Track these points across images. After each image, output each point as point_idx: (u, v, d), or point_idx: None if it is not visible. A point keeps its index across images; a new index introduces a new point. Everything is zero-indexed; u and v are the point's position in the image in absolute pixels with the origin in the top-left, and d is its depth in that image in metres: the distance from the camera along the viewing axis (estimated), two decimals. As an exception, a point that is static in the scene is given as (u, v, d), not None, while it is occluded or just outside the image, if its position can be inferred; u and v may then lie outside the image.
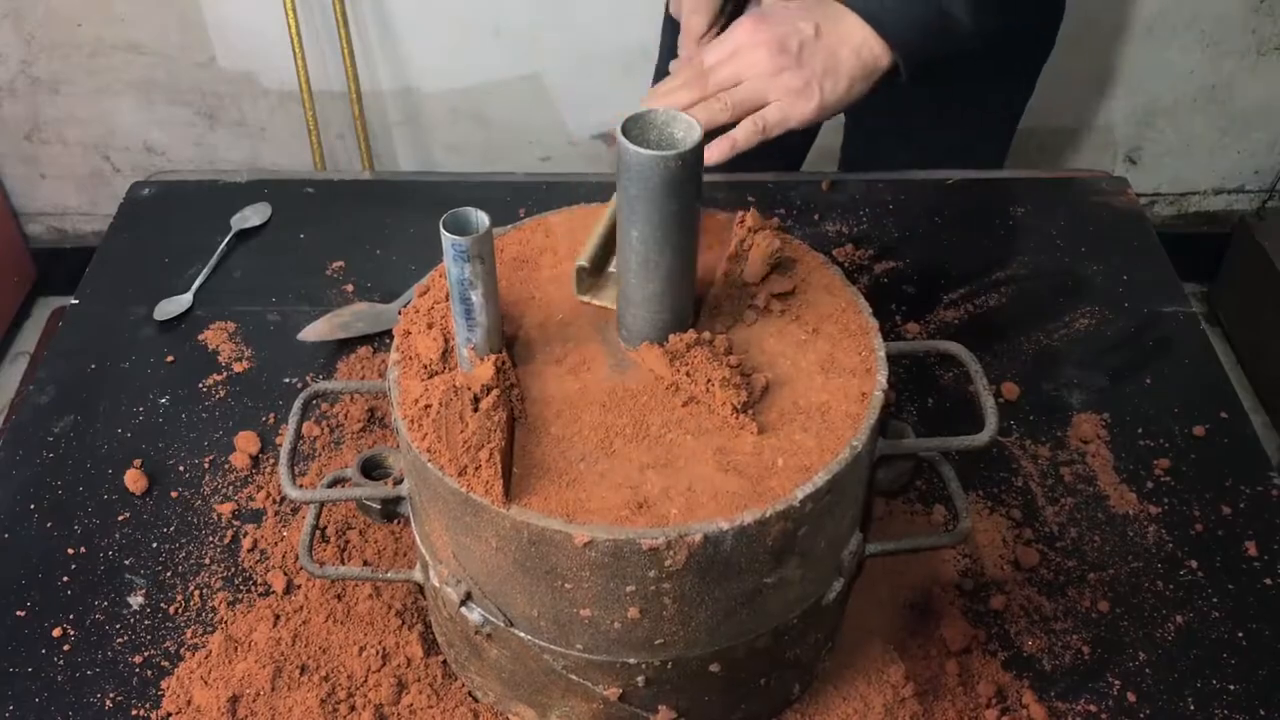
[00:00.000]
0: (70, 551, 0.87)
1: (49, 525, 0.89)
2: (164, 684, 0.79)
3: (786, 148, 1.21)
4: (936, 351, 0.76)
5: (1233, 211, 2.26)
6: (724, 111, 0.85)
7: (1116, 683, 0.80)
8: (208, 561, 0.87)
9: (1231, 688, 0.79)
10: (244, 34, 1.93)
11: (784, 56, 0.84)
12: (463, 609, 0.69)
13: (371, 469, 0.77)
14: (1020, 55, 1.20)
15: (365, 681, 0.78)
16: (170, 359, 1.03)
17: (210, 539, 0.88)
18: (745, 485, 0.61)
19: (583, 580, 0.61)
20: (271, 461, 0.94)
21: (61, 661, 0.81)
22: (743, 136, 0.85)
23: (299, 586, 0.84)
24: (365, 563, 0.86)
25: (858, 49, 0.87)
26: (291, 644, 0.80)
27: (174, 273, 1.11)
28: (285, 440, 0.73)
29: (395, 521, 0.85)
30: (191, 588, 0.85)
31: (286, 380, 1.01)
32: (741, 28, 0.86)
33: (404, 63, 2.00)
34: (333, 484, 0.77)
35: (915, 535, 0.87)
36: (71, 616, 0.83)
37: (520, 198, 1.17)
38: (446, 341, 0.67)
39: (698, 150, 0.60)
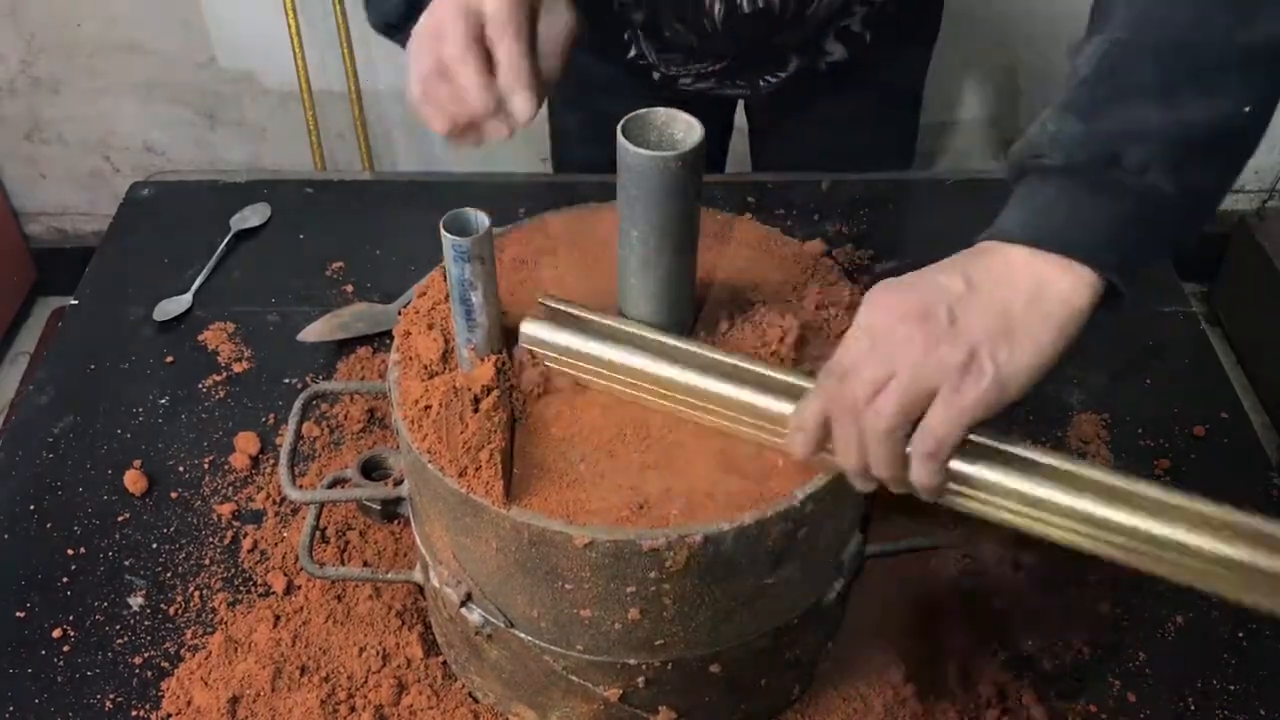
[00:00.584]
0: (70, 552, 0.87)
1: (49, 525, 0.89)
2: (164, 685, 0.79)
3: None
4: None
5: (1233, 211, 2.26)
6: (889, 436, 0.57)
7: (1116, 683, 0.80)
8: (208, 562, 0.87)
9: (1231, 688, 0.79)
10: (244, 34, 1.93)
11: (932, 325, 0.57)
12: (463, 610, 0.69)
13: (371, 469, 0.77)
14: (911, 36, 1.20)
15: (365, 682, 0.78)
16: (170, 359, 1.03)
17: (210, 539, 0.88)
18: (746, 486, 0.61)
19: (583, 581, 0.61)
20: (271, 462, 0.94)
21: (61, 662, 0.81)
22: (927, 478, 0.59)
23: (299, 587, 0.84)
24: (365, 563, 0.86)
25: (1034, 293, 0.58)
26: (291, 645, 0.80)
27: (174, 273, 1.11)
28: (285, 441, 0.73)
29: (395, 522, 0.85)
30: (191, 588, 0.85)
31: (286, 381, 1.01)
32: (873, 301, 0.59)
33: (404, 63, 1.99)
34: (333, 484, 0.78)
35: (915, 535, 0.87)
36: (71, 617, 0.83)
37: (520, 198, 1.17)
38: (446, 342, 0.67)
39: (697, 150, 0.60)
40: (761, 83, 1.11)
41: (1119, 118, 0.58)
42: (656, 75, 1.12)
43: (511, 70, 0.67)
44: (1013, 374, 0.57)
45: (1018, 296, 0.58)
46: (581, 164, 1.29)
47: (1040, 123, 0.61)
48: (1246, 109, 0.57)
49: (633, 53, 1.11)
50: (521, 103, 0.68)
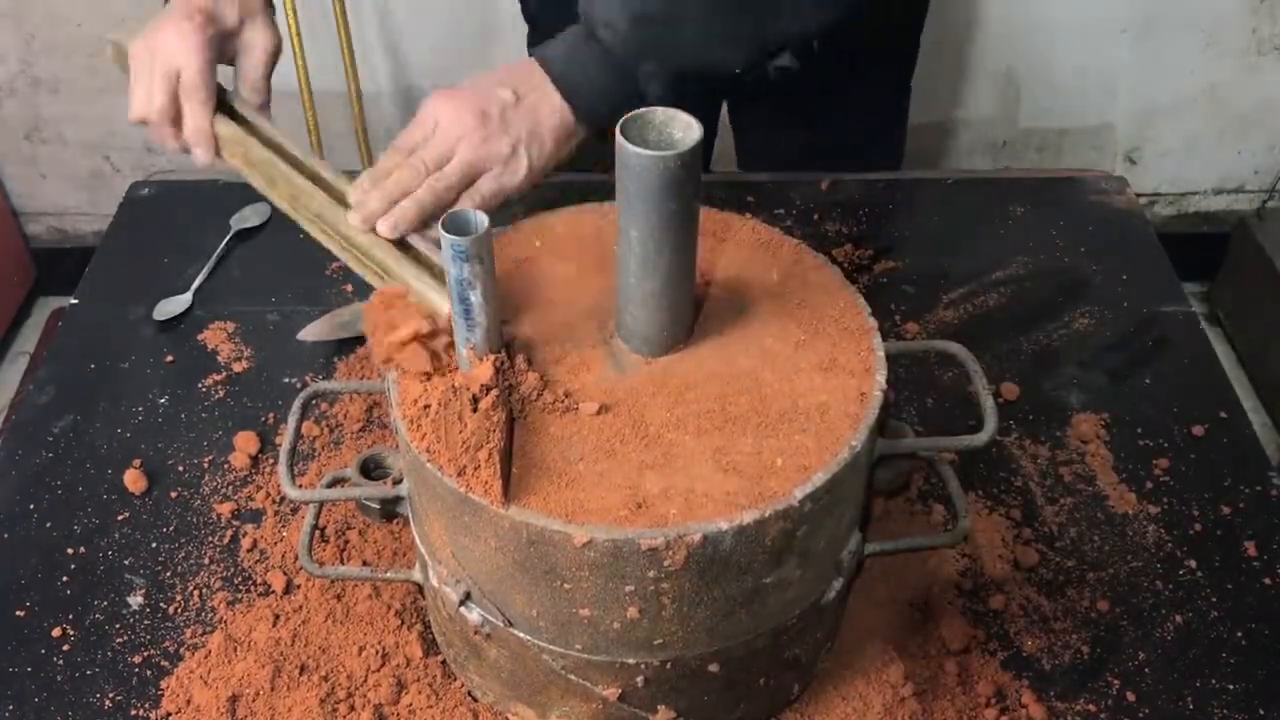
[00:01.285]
0: (70, 551, 0.87)
1: (49, 525, 0.89)
2: (163, 684, 0.79)
3: None
4: (936, 351, 0.76)
5: (1233, 211, 2.26)
6: (449, 191, 0.80)
7: (1116, 682, 0.80)
8: (207, 561, 0.87)
9: (1231, 687, 0.79)
10: (244, 34, 1.93)
11: (488, 124, 0.81)
12: (462, 609, 0.69)
13: (371, 469, 0.77)
14: (897, 34, 1.21)
15: (365, 681, 0.78)
16: (170, 359, 1.03)
17: (210, 539, 0.88)
18: (744, 485, 0.61)
19: (582, 580, 0.61)
20: (271, 461, 0.94)
21: (61, 661, 0.81)
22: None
23: (298, 586, 0.84)
24: (365, 563, 0.86)
25: (556, 112, 0.83)
26: (291, 644, 0.80)
27: (174, 273, 1.11)
28: (285, 440, 0.73)
29: (394, 521, 0.85)
30: (191, 587, 0.85)
31: (286, 380, 1.01)
32: (438, 101, 0.83)
33: (404, 63, 2.00)
34: (332, 484, 0.77)
35: (914, 535, 0.87)
36: (71, 616, 0.83)
37: (520, 198, 1.17)
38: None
39: (696, 150, 0.60)
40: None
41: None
42: None
43: (193, 134, 0.86)
44: (539, 166, 0.83)
45: (547, 110, 0.83)
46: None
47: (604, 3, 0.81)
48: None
49: None
50: (200, 155, 0.88)
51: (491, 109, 0.82)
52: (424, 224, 0.79)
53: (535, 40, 1.27)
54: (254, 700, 0.77)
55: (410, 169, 0.80)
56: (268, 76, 0.91)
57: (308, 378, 1.01)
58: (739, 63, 0.84)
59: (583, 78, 0.83)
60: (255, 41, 0.90)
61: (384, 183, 0.79)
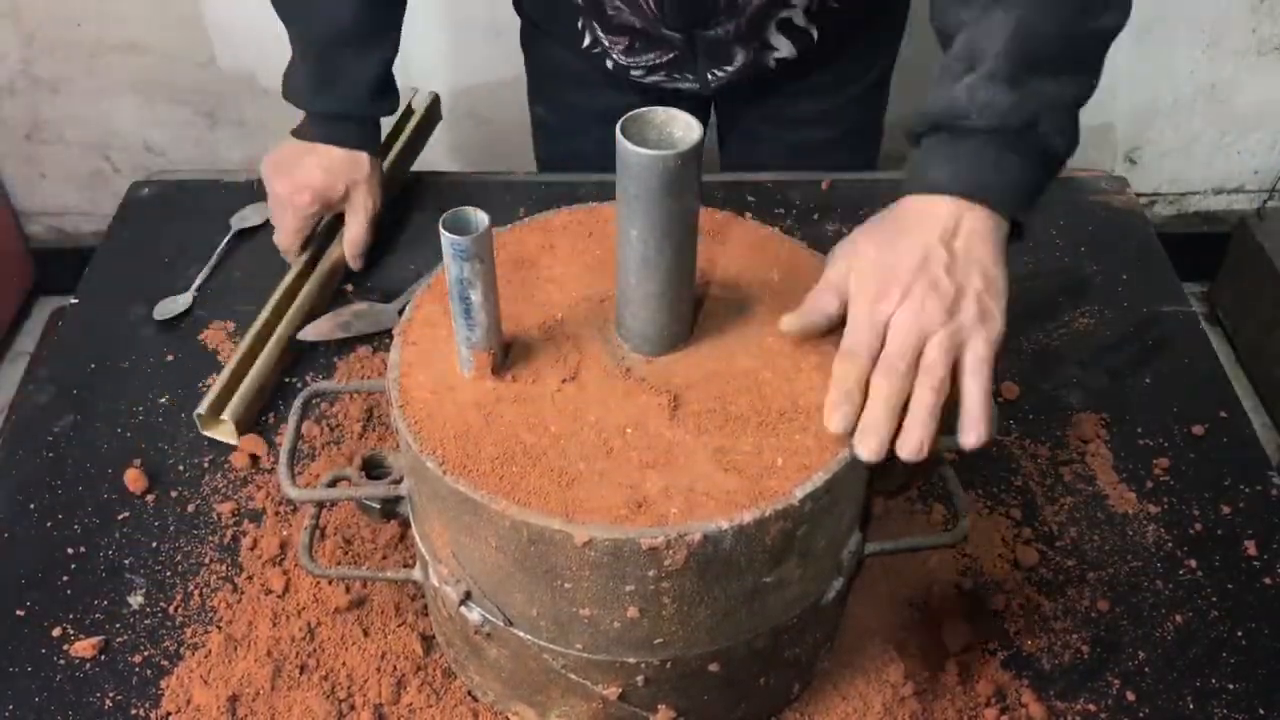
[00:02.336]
0: (70, 551, 0.87)
1: (49, 525, 0.89)
2: (163, 683, 0.79)
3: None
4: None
5: (1233, 211, 2.26)
6: (940, 390, 0.65)
7: (1116, 682, 0.80)
8: (207, 561, 0.87)
9: (1230, 687, 0.79)
10: (244, 34, 1.93)
11: (940, 284, 0.67)
12: (462, 608, 0.69)
13: (371, 469, 0.77)
14: (865, 34, 1.21)
15: (365, 681, 0.78)
16: (170, 359, 1.03)
17: (210, 538, 0.88)
18: (744, 485, 0.61)
19: (582, 579, 0.61)
20: (271, 461, 0.94)
21: (61, 661, 0.81)
22: (982, 411, 0.66)
23: (298, 586, 0.84)
24: (365, 562, 0.86)
25: (976, 234, 0.70)
26: (291, 643, 0.80)
27: (174, 272, 1.11)
28: (285, 440, 0.73)
29: (395, 521, 0.85)
30: (191, 587, 0.85)
31: (286, 380, 1.01)
32: (861, 289, 0.68)
33: (404, 63, 1.99)
34: (332, 483, 0.77)
35: (915, 535, 0.87)
36: (71, 616, 0.83)
37: (520, 198, 1.17)
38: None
39: (697, 150, 0.60)
40: (710, 76, 1.12)
41: (1036, 91, 0.72)
42: (610, 64, 1.13)
43: (352, 246, 1.09)
44: (1001, 309, 0.69)
45: (980, 241, 0.70)
46: (564, 155, 1.31)
47: (965, 88, 0.72)
48: (1094, 83, 0.75)
49: (587, 40, 1.13)
50: (357, 266, 1.09)
51: (934, 266, 0.68)
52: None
53: (528, 34, 1.28)
54: (254, 700, 0.77)
55: (892, 376, 0.65)
56: (365, 236, 1.08)
57: (308, 377, 1.01)
58: (1099, 58, 0.76)
59: (988, 179, 0.71)
60: (357, 207, 1.07)
61: (843, 411, 0.64)
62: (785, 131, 1.25)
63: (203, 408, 0.93)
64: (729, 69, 1.11)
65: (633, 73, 1.13)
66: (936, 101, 0.74)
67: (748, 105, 1.22)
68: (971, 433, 0.65)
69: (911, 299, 0.67)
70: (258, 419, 0.96)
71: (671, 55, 1.10)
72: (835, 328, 0.68)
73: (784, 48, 1.09)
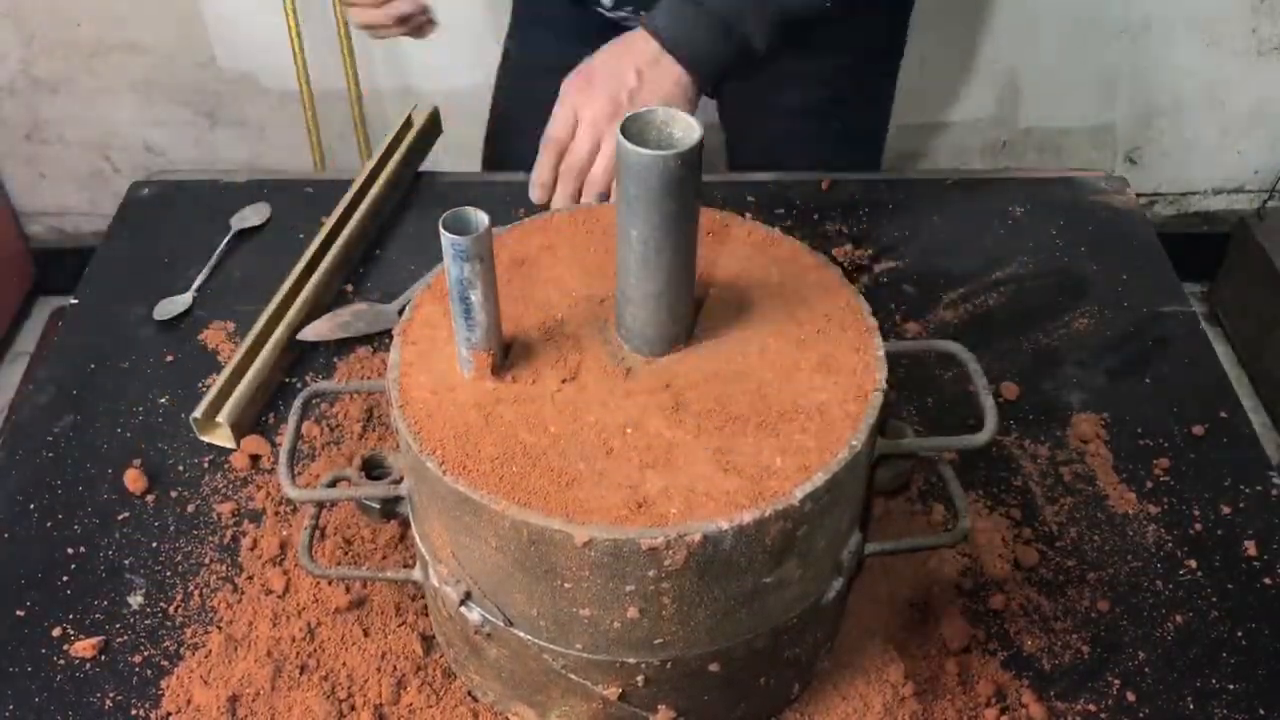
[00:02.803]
0: (70, 551, 0.87)
1: (49, 525, 0.89)
2: (163, 684, 0.79)
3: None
4: (936, 351, 0.76)
5: (1233, 211, 2.26)
6: (606, 175, 0.96)
7: (1116, 682, 0.80)
8: (207, 561, 0.87)
9: (1231, 687, 0.79)
10: (244, 34, 1.93)
11: (621, 111, 0.93)
12: (462, 608, 0.69)
13: (371, 469, 0.77)
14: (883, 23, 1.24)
15: (365, 681, 0.78)
16: (170, 359, 1.03)
17: (210, 539, 0.88)
18: (744, 485, 0.61)
19: (582, 580, 0.61)
20: (271, 461, 0.94)
21: (61, 661, 0.81)
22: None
23: (298, 586, 0.84)
24: (365, 562, 0.86)
25: (678, 82, 0.95)
26: (291, 644, 0.80)
27: (174, 273, 1.11)
28: (284, 440, 0.73)
29: (394, 521, 0.85)
30: (191, 587, 0.85)
31: (286, 380, 1.01)
32: (573, 92, 0.96)
33: (404, 63, 2.00)
34: (332, 484, 0.78)
35: (915, 535, 0.87)
36: (71, 616, 0.83)
37: (520, 198, 1.17)
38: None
39: (697, 150, 0.60)
40: None
41: None
42: None
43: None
44: None
45: (670, 85, 0.95)
46: (515, 96, 1.35)
47: None
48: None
49: None
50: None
51: (622, 95, 0.94)
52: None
53: (515, 27, 1.29)
54: (254, 700, 0.77)
55: (569, 177, 0.98)
56: None
57: (308, 378, 1.01)
58: None
59: (693, 43, 0.93)
60: None
61: (559, 191, 0.99)
62: (771, 124, 1.25)
63: (199, 412, 0.93)
64: None
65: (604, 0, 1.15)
66: None
67: (734, 97, 1.21)
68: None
69: (595, 102, 0.94)
70: (256, 422, 0.96)
71: None
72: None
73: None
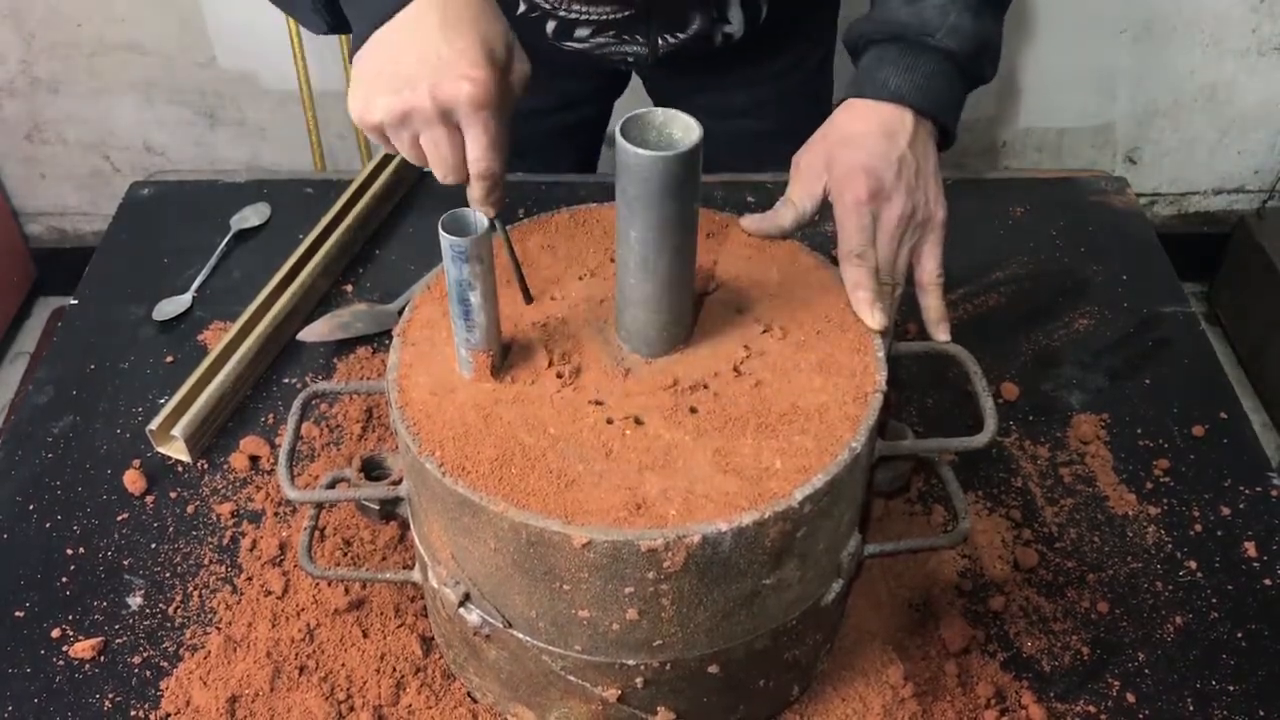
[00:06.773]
0: (70, 551, 0.87)
1: (49, 525, 0.89)
2: (163, 684, 0.79)
3: None
4: (936, 351, 0.76)
5: (1233, 211, 2.26)
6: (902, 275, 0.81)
7: (1116, 683, 0.80)
8: (207, 562, 0.87)
9: (1231, 688, 0.79)
10: (244, 34, 1.93)
11: (913, 190, 0.79)
12: (461, 610, 0.69)
13: (371, 469, 0.77)
14: (806, 21, 1.21)
15: (364, 682, 0.78)
16: (170, 359, 1.03)
17: (209, 539, 0.88)
18: (744, 486, 0.61)
19: (581, 581, 0.61)
20: (271, 462, 0.94)
21: (61, 662, 0.81)
22: (945, 311, 0.82)
23: (298, 587, 0.84)
24: (364, 563, 0.86)
25: (928, 144, 0.82)
26: (290, 645, 0.80)
27: (174, 273, 1.11)
28: (284, 441, 0.73)
29: (393, 522, 0.85)
30: (190, 588, 0.85)
31: (286, 380, 1.01)
32: (868, 195, 0.78)
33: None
34: (332, 484, 0.77)
35: (914, 536, 0.87)
36: (71, 616, 0.83)
37: (520, 198, 1.17)
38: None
39: (696, 151, 0.60)
40: (660, 41, 1.08)
41: (988, 25, 0.82)
42: (551, 25, 1.06)
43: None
44: (946, 211, 0.81)
45: (932, 153, 0.82)
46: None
47: (937, 8, 0.80)
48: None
49: (522, 7, 1.04)
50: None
51: (888, 177, 0.78)
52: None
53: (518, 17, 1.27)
54: (253, 701, 0.77)
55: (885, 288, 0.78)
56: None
57: (307, 378, 1.01)
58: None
59: (941, 97, 0.81)
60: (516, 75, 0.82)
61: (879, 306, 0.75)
62: (718, 122, 1.24)
63: (154, 425, 0.92)
64: (681, 35, 1.08)
65: (578, 32, 1.07)
66: (900, 14, 0.81)
67: (684, 90, 1.19)
68: (941, 329, 0.80)
69: (894, 203, 0.78)
70: (217, 435, 0.95)
71: (626, 14, 1.05)
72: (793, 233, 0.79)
73: (736, 21, 1.07)
